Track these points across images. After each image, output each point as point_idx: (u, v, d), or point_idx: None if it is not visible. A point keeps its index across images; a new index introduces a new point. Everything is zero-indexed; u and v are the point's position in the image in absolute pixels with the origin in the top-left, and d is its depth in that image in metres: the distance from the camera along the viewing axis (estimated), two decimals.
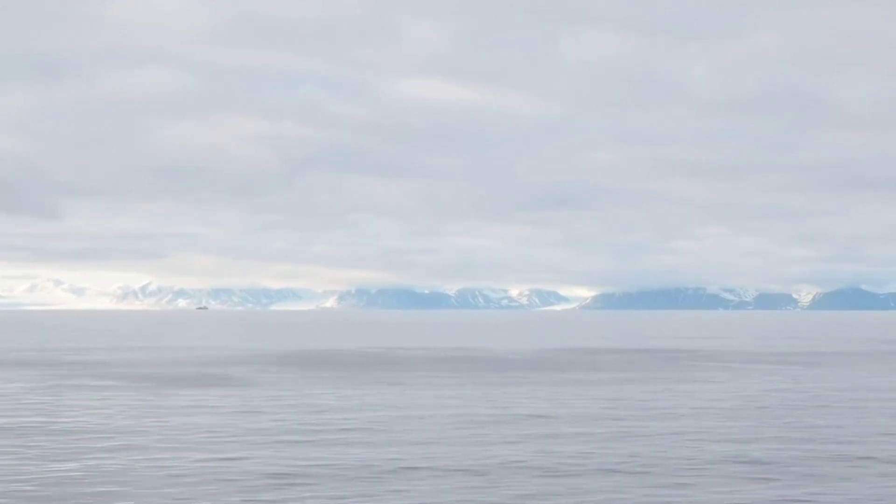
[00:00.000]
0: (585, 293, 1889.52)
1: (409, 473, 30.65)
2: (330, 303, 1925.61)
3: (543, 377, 70.36)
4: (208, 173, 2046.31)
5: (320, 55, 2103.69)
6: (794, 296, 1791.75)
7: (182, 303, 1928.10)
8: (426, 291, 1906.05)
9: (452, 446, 36.24)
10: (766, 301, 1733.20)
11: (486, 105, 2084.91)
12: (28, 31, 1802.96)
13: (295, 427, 41.40)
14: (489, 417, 45.23)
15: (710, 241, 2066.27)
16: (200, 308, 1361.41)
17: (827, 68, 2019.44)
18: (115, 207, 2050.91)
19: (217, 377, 68.93)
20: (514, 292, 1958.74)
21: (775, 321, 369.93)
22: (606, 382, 65.87)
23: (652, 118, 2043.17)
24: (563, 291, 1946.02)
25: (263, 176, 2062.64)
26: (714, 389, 60.97)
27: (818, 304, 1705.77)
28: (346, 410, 48.00)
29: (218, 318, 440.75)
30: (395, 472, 30.84)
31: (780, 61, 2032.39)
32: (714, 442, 37.49)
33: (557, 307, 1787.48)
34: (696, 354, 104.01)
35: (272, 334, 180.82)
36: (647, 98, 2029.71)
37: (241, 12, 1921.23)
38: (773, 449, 35.69)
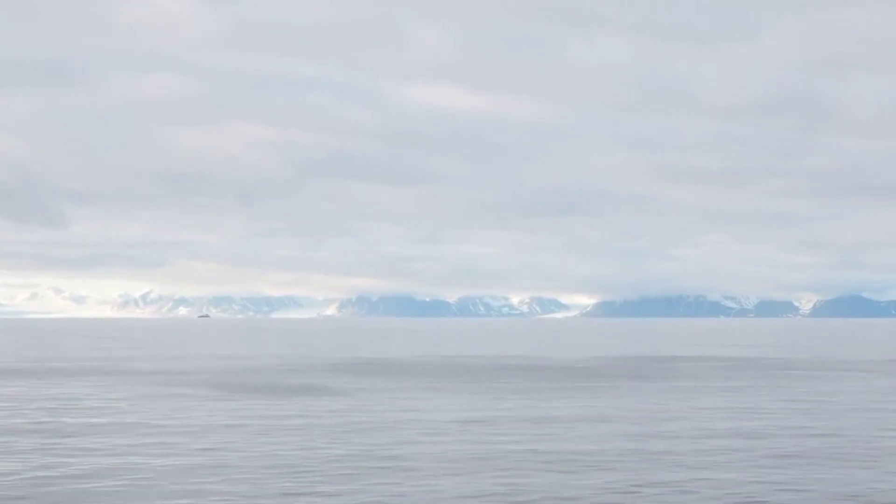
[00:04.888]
0: (586, 301, 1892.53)
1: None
2: (331, 310, 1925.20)
3: (647, 385, 70.18)
4: (213, 180, 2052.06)
5: (328, 61, 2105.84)
6: (796, 303, 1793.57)
7: (183, 311, 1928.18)
8: (427, 299, 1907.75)
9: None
10: (767, 308, 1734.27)
11: (493, 111, 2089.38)
12: (34, 36, 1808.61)
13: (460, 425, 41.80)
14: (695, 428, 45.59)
15: (712, 247, 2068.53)
16: (202, 316, 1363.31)
17: (836, 73, 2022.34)
18: (118, 214, 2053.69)
19: (303, 386, 69.24)
20: (514, 300, 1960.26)
21: (792, 329, 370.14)
22: (726, 390, 66.16)
23: (660, 123, 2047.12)
24: (564, 299, 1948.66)
25: (268, 182, 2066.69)
26: (846, 392, 62.87)
27: (819, 311, 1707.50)
28: (498, 417, 48.24)
29: (228, 325, 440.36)
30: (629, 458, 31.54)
31: (789, 66, 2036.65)
32: None
33: (558, 315, 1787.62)
34: (759, 362, 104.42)
35: (307, 342, 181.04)
36: (655, 103, 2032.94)
37: (248, 18, 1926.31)
38: None
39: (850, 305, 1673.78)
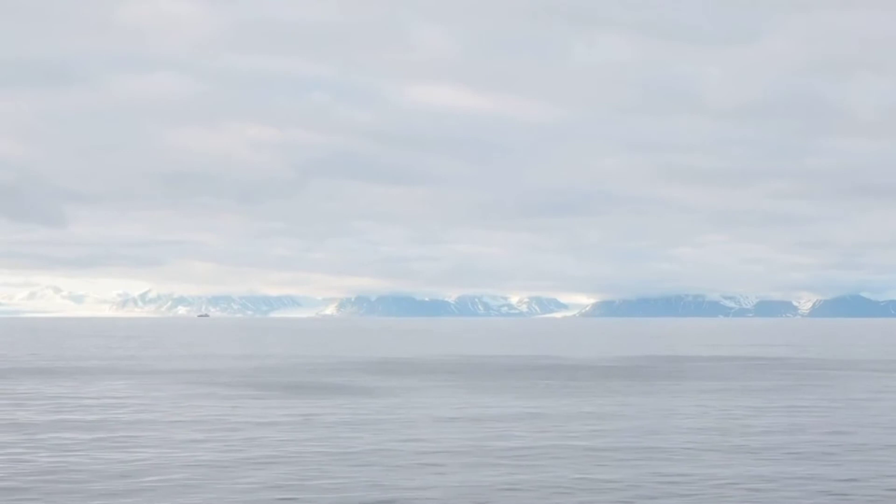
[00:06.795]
0: (585, 300, 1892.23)
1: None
2: (330, 310, 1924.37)
3: (689, 385, 69.90)
4: (214, 180, 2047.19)
5: (329, 61, 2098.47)
6: (795, 303, 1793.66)
7: (182, 310, 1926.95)
8: (426, 299, 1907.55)
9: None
10: (767, 308, 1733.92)
11: (495, 111, 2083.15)
12: (34, 37, 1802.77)
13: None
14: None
15: (712, 248, 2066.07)
16: (202, 315, 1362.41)
17: (837, 74, 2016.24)
18: (118, 214, 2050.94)
19: (342, 385, 68.88)
20: (514, 299, 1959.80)
21: (796, 329, 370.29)
22: (772, 389, 65.95)
23: (661, 124, 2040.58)
24: (563, 298, 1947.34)
25: (269, 183, 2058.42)
26: (883, 389, 62.12)
27: (818, 311, 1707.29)
28: (563, 413, 47.79)
29: (229, 325, 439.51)
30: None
31: (791, 67, 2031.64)
32: None
33: (557, 314, 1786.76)
34: (784, 362, 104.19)
35: (317, 341, 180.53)
36: (656, 104, 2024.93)
37: (249, 18, 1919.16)
38: None
39: (850, 305, 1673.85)
